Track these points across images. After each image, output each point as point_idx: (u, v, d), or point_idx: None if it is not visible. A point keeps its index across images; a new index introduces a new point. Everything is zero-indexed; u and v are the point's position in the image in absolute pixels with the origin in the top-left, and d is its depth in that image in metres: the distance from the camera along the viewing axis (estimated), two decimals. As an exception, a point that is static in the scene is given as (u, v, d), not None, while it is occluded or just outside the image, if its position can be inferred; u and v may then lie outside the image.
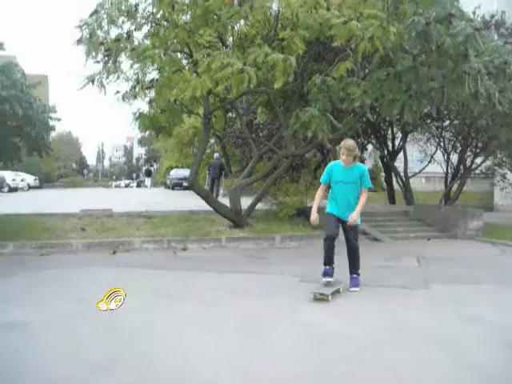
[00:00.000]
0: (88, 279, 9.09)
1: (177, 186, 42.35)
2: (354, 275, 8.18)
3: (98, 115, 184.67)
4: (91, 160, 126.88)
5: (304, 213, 14.98)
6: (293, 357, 5.13)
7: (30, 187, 51.08)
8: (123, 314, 6.54)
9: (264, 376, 4.65)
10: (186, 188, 40.44)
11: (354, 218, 7.78)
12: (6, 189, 42.16)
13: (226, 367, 4.86)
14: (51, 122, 12.53)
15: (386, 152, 22.54)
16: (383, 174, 26.29)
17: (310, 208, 15.06)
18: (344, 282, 8.07)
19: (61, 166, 78.19)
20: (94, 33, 12.61)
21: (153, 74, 13.92)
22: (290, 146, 14.46)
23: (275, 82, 10.95)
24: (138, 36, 13.11)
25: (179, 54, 13.45)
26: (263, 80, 11.63)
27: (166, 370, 4.78)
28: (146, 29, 13.17)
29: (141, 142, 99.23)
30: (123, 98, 13.80)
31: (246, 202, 14.72)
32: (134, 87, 13.40)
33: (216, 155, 25.04)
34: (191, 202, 18.24)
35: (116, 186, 76.05)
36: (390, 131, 22.34)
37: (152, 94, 14.03)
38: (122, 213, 15.74)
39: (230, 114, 21.92)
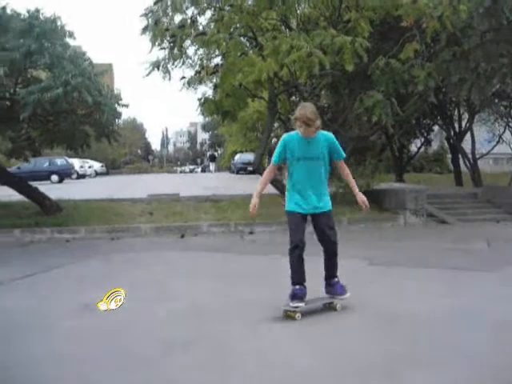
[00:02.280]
0: (159, 262, 9.24)
1: (241, 170, 42.64)
2: (336, 279, 6.10)
3: (161, 101, 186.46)
4: (156, 146, 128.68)
5: (371, 196, 14.86)
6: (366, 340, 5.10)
7: (97, 174, 52.22)
8: (197, 297, 6.66)
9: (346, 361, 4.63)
10: (251, 172, 40.84)
11: (366, 202, 6.11)
12: (74, 176, 43.12)
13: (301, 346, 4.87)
14: (119, 109, 12.74)
15: (452, 133, 22.13)
16: (449, 155, 25.84)
17: (377, 191, 15.17)
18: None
19: (127, 152, 79.48)
20: (159, 20, 12.77)
21: (217, 59, 14.07)
22: (354, 129, 14.37)
23: (346, 65, 10.87)
24: (202, 21, 13.25)
25: (242, 39, 13.49)
26: (329, 63, 11.55)
27: (237, 351, 4.82)
28: (209, 14, 13.28)
29: (205, 128, 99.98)
30: (189, 84, 13.94)
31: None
32: (199, 72, 13.52)
33: (275, 140, 25.05)
34: (256, 186, 18.30)
35: (181, 172, 76.88)
36: (456, 112, 21.94)
37: (216, 79, 14.14)
38: (188, 197, 15.94)
39: (293, 98, 21.84)
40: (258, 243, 11.21)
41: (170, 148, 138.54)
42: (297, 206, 5.90)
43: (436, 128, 27.24)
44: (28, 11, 11.99)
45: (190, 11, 13.02)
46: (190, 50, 13.58)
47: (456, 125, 22.12)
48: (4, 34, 11.43)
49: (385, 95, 11.92)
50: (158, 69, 12.85)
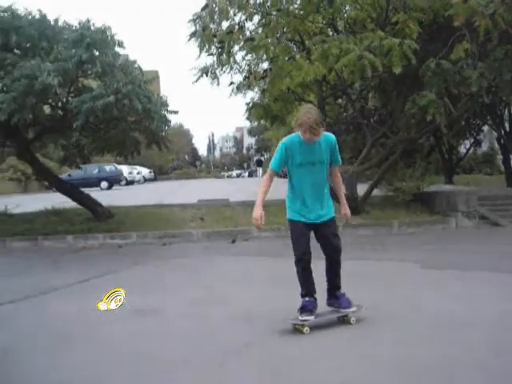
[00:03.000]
0: (211, 267, 9.31)
1: (289, 174, 42.58)
2: (341, 291, 5.82)
3: (207, 107, 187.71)
4: (202, 151, 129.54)
5: (421, 198, 14.73)
6: (422, 344, 5.05)
7: (145, 180, 52.82)
8: (248, 301, 6.68)
9: (405, 363, 4.59)
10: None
11: (349, 214, 5.92)
12: (123, 182, 43.72)
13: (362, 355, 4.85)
14: (168, 116, 12.90)
15: (502, 133, 21.76)
16: (500, 156, 25.41)
17: (428, 194, 15.01)
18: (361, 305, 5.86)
19: (174, 158, 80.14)
20: (207, 26, 12.86)
21: (264, 64, 14.11)
22: (404, 131, 14.24)
23: (393, 67, 10.78)
24: (250, 27, 13.31)
25: (290, 43, 13.51)
26: (378, 65, 11.47)
27: (288, 356, 4.82)
28: (256, 19, 13.32)
29: (251, 132, 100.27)
30: (237, 89, 14.00)
31: (359, 189, 14.62)
32: (247, 77, 13.57)
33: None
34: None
35: (228, 176, 77.27)
36: (506, 111, 21.57)
37: (264, 83, 14.17)
38: (238, 202, 16.00)
39: (339, 101, 21.76)
40: (312, 247, 11.14)
41: (217, 153, 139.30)
42: (299, 215, 5.57)
43: (485, 128, 26.84)
44: (79, 22, 12.23)
45: (238, 17, 13.09)
46: (238, 56, 13.66)
47: (507, 124, 21.75)
48: (56, 44, 11.68)
49: (437, 95, 11.79)
50: (207, 75, 12.96)
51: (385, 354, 4.73)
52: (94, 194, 15.17)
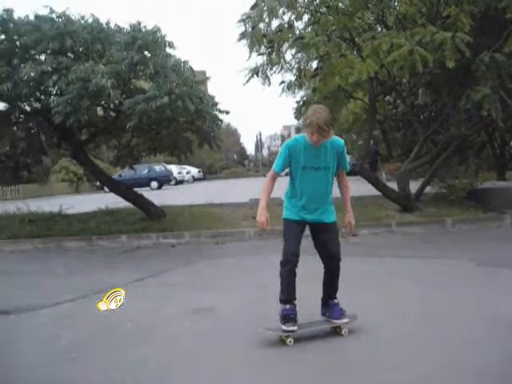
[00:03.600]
0: (264, 266, 9.32)
1: (338, 172, 42.46)
2: (335, 301, 5.50)
3: (253, 106, 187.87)
4: (250, 150, 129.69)
5: (475, 196, 14.50)
6: (482, 344, 4.98)
7: (194, 179, 53.20)
8: (304, 300, 6.67)
9: (465, 363, 4.54)
10: (348, 174, 40.62)
11: (352, 225, 5.57)
12: (173, 182, 44.11)
13: (422, 354, 4.80)
14: (219, 115, 13.00)
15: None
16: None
17: (481, 190, 14.77)
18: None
19: (223, 157, 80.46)
20: (257, 26, 12.89)
21: (314, 62, 14.07)
22: (456, 127, 14.04)
23: (446, 61, 10.63)
24: (299, 25, 13.30)
25: (339, 40, 13.44)
26: (429, 60, 11.32)
27: (357, 355, 4.82)
28: (305, 17, 13.30)
29: (298, 131, 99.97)
30: (288, 88, 14.00)
31: (411, 186, 14.47)
32: (298, 76, 13.56)
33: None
34: (354, 188, 18.11)
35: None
36: None
37: (315, 81, 14.13)
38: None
39: (387, 97, 21.54)
40: (363, 246, 11.10)
41: (265, 152, 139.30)
42: (297, 215, 5.37)
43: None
44: (130, 25, 12.39)
45: (287, 16, 13.09)
46: (288, 55, 13.65)
47: None
48: (109, 47, 11.86)
49: (491, 89, 11.59)
50: (258, 75, 12.98)
51: (448, 353, 4.70)
52: (145, 194, 15.32)
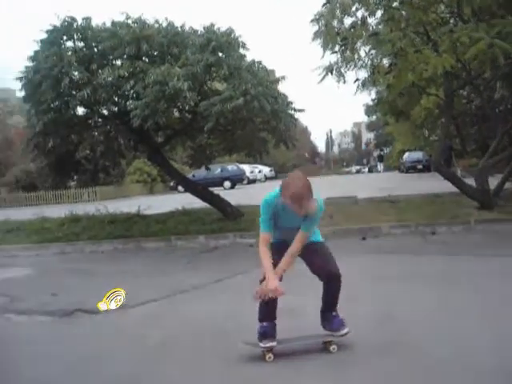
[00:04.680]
0: (343, 266, 9.18)
1: (411, 169, 42.00)
2: (334, 313, 5.18)
3: (322, 103, 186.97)
4: (320, 148, 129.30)
5: None
6: None
7: (266, 178, 53.31)
8: (386, 300, 6.61)
9: None
10: (420, 171, 40.15)
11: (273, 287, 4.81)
12: (245, 181, 44.34)
13: None
14: (294, 114, 13.05)
15: None
16: None
17: None
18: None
19: (294, 155, 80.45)
20: (330, 24, 12.82)
21: (386, 59, 13.87)
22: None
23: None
24: (372, 22, 13.16)
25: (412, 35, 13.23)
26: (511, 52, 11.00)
27: (436, 357, 4.74)
28: (379, 13, 13.14)
29: (369, 127, 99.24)
30: (363, 85, 13.88)
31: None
32: (372, 73, 13.42)
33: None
34: (429, 184, 17.96)
35: (347, 173, 76.73)
36: None
37: (389, 78, 13.94)
38: (365, 199, 15.89)
39: (461, 92, 21.09)
40: (442, 244, 10.89)
41: (335, 149, 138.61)
42: (277, 239, 5.09)
43: None
44: (204, 27, 12.55)
45: (360, 13, 12.97)
46: (361, 52, 13.52)
47: None
48: (184, 50, 12.02)
49: None
50: (332, 73, 12.89)
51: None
52: (219, 193, 15.46)
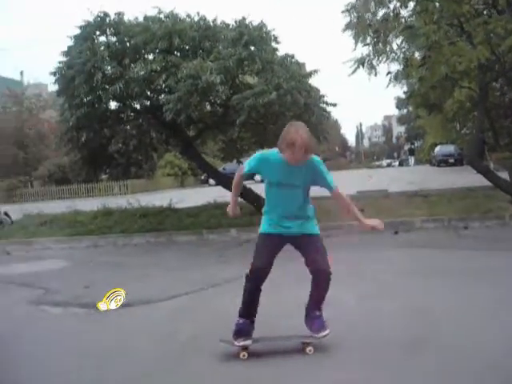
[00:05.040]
0: (375, 260, 9.24)
1: (442, 162, 41.54)
2: (317, 312, 5.04)
3: (352, 96, 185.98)
4: (351, 142, 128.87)
5: None
6: None
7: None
8: (419, 295, 6.59)
9: None
10: (452, 164, 39.74)
11: (376, 224, 5.15)
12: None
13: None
14: (327, 108, 13.02)
15: None
16: None
17: None
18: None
19: (324, 149, 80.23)
20: (362, 15, 12.76)
21: (418, 51, 13.76)
22: None
23: None
24: (404, 14, 13.06)
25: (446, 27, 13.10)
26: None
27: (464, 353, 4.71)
28: (411, 5, 13.03)
29: (399, 120, 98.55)
30: (395, 78, 13.78)
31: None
32: (405, 66, 13.31)
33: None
34: (461, 178, 17.78)
35: (378, 166, 76.29)
36: None
37: (422, 71, 13.83)
38: (397, 192, 15.79)
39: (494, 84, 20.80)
40: (475, 239, 10.76)
41: (365, 143, 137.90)
42: (275, 228, 5.07)
43: None
44: (236, 21, 12.56)
45: (392, 4, 12.87)
46: (393, 44, 13.42)
47: None
48: (216, 44, 12.05)
49: None
50: (363, 66, 12.81)
51: None
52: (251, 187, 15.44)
